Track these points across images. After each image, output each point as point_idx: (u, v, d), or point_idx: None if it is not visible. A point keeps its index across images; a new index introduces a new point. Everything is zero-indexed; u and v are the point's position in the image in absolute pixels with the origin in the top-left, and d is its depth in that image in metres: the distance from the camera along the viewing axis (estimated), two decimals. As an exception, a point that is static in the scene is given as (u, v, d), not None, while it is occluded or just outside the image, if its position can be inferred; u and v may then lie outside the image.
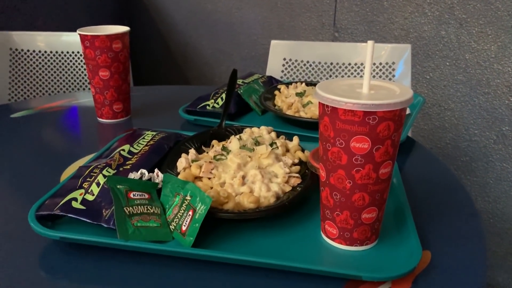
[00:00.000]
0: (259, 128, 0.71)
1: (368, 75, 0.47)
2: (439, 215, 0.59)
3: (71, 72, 1.37)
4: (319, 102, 0.47)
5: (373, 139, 0.45)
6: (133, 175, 0.56)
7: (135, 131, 0.74)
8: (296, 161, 0.64)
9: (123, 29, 0.89)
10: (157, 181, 0.57)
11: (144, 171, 0.57)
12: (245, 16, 1.91)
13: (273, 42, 1.28)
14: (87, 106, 1.03)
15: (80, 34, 0.87)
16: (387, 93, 0.46)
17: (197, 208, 0.50)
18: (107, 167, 0.59)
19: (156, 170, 0.58)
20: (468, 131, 1.58)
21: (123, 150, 0.64)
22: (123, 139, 0.71)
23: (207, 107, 0.92)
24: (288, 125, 0.86)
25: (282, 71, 1.27)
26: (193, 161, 0.62)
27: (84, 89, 1.38)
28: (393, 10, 1.61)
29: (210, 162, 0.60)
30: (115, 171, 0.59)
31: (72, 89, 1.38)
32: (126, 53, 0.90)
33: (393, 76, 1.18)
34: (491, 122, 1.52)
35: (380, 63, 1.19)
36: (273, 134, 0.70)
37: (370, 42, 0.46)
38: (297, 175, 0.61)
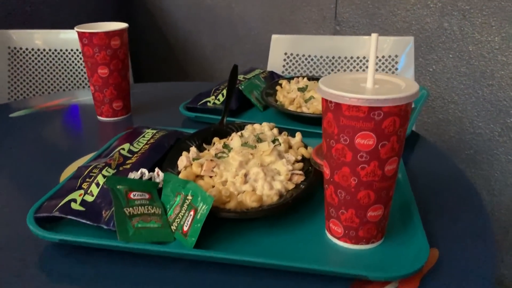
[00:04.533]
0: (260, 124, 0.70)
1: (372, 69, 0.46)
2: (446, 211, 0.58)
3: (71, 70, 1.36)
4: (322, 98, 0.46)
5: (378, 135, 0.44)
6: (133, 175, 0.55)
7: (135, 129, 0.73)
8: (299, 158, 0.63)
9: (122, 25, 0.87)
10: (157, 180, 0.56)
11: (144, 170, 0.56)
12: (245, 11, 1.89)
13: (273, 36, 1.27)
14: (87, 104, 1.02)
15: (78, 32, 0.85)
16: (392, 87, 0.45)
17: (199, 208, 0.49)
18: (107, 167, 0.58)
19: (156, 169, 0.57)
20: (472, 124, 1.56)
21: (123, 149, 0.63)
22: (123, 138, 0.70)
23: (208, 103, 0.90)
24: (290, 120, 0.85)
25: (284, 66, 1.26)
26: (194, 159, 0.61)
27: (83, 87, 1.37)
28: (395, 2, 1.58)
29: (211, 160, 0.59)
30: (115, 170, 0.57)
31: (72, 87, 1.37)
32: (125, 50, 0.89)
33: (396, 69, 1.17)
34: (495, 115, 1.51)
35: (383, 56, 1.18)
36: (275, 131, 0.69)
37: (374, 35, 0.45)
38: (300, 172, 0.60)
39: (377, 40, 0.45)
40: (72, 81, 1.37)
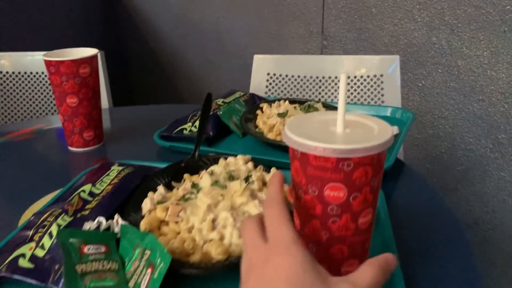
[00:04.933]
0: (235, 157, 0.66)
1: (342, 111, 0.42)
2: (430, 251, 0.54)
3: (47, 93, 1.32)
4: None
5: (349, 186, 0.39)
6: (89, 225, 0.51)
7: (102, 165, 0.69)
8: (274, 196, 0.59)
9: (91, 52, 0.83)
10: (116, 230, 0.51)
11: (102, 219, 0.52)
12: (232, 25, 1.86)
13: (256, 56, 1.23)
14: (59, 133, 0.98)
15: (44, 60, 0.81)
16: (363, 133, 0.41)
17: (157, 265, 0.44)
18: (63, 214, 0.53)
19: (116, 216, 0.52)
20: (463, 140, 1.53)
21: (84, 191, 0.59)
22: (89, 175, 0.66)
23: (184, 131, 0.86)
24: (270, 148, 0.81)
25: (267, 87, 1.22)
26: (159, 202, 0.57)
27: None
28: (382, 17, 1.56)
29: (177, 204, 0.55)
30: (72, 218, 0.53)
31: (49, 110, 1.32)
32: (95, 77, 0.84)
33: (382, 89, 1.13)
34: (486, 130, 1.47)
35: (368, 76, 1.14)
36: (250, 165, 0.64)
37: (343, 76, 0.41)
38: (273, 214, 0.55)
39: (346, 81, 0.41)
40: (48, 105, 1.32)
